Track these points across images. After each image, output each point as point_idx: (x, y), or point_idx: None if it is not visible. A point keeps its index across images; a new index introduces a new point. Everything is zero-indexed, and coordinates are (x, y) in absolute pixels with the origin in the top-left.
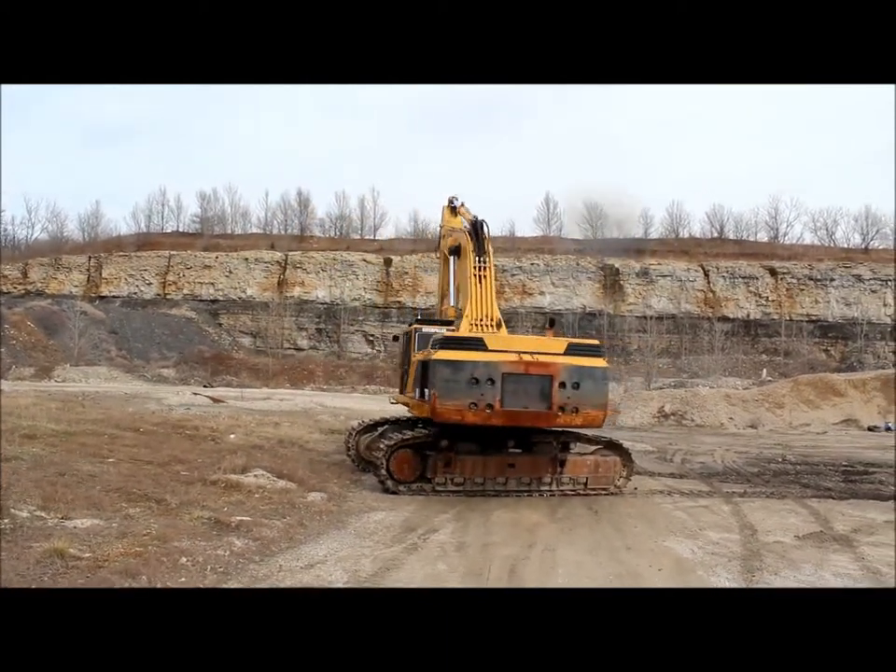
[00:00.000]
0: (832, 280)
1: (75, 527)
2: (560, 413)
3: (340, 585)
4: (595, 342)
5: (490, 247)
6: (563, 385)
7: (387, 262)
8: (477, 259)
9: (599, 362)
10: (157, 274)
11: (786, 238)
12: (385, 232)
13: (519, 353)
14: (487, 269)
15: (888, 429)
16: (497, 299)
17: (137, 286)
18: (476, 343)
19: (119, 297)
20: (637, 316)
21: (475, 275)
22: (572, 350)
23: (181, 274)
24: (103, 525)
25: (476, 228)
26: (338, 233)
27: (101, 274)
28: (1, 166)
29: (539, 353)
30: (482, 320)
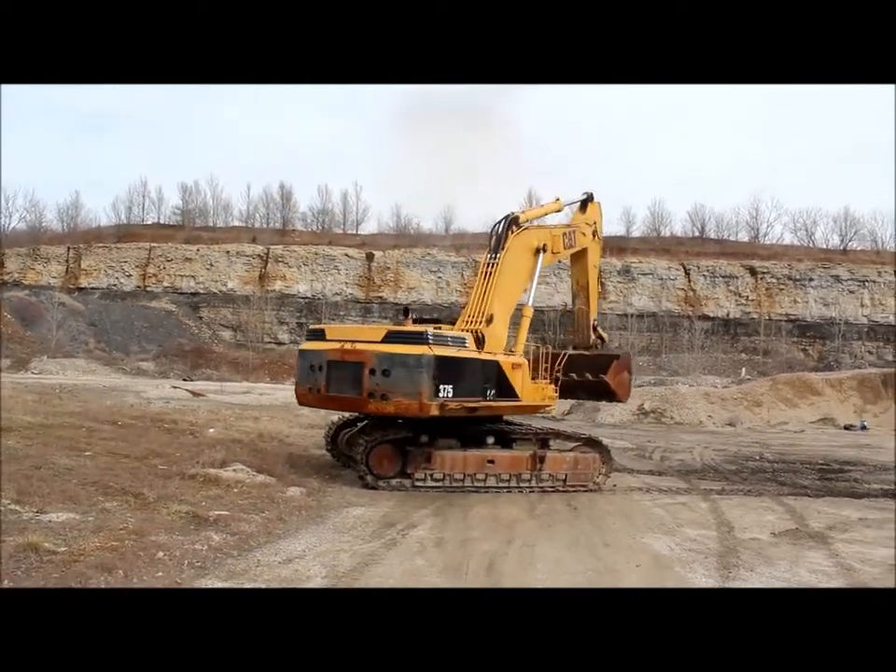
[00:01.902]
0: (810, 280)
1: (50, 521)
2: (370, 400)
3: (326, 585)
4: (422, 329)
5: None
6: (373, 371)
7: (369, 257)
8: (492, 255)
9: (417, 349)
10: (137, 266)
11: (766, 238)
12: (368, 227)
13: (342, 342)
14: (497, 265)
15: (863, 428)
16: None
17: (117, 277)
18: (319, 334)
19: (98, 289)
20: (618, 314)
21: (484, 272)
22: (390, 337)
23: (162, 267)
24: (79, 518)
25: (509, 223)
26: (320, 227)
27: (80, 266)
28: (1, 162)
29: (358, 341)
30: (475, 316)
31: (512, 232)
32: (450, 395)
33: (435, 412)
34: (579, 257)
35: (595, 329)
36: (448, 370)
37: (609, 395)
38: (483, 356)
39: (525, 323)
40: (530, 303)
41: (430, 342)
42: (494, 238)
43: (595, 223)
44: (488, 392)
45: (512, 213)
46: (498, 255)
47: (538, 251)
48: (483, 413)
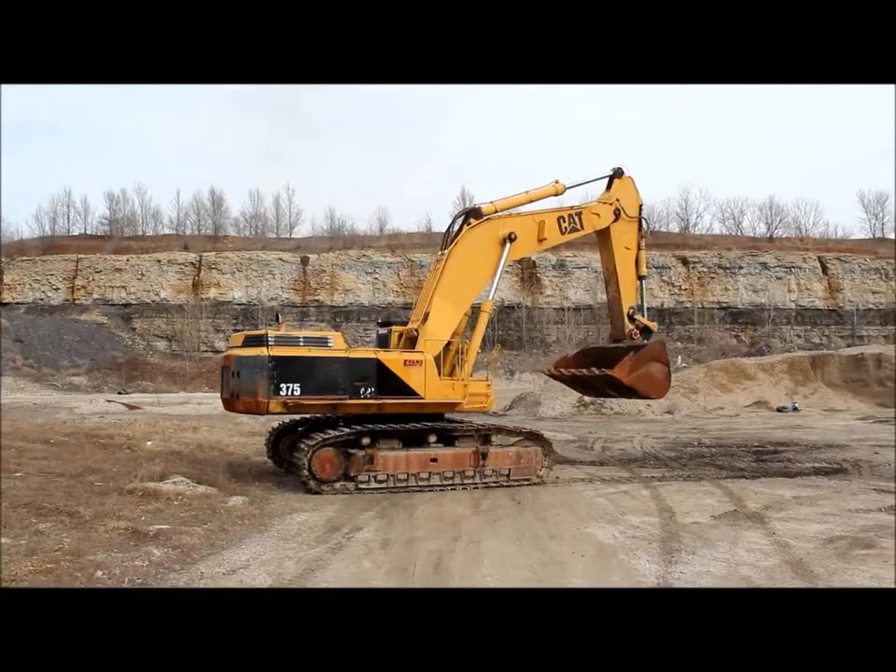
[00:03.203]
0: (740, 268)
1: None
2: (236, 400)
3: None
4: (263, 332)
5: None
6: (234, 374)
7: (304, 261)
8: (441, 251)
9: (256, 351)
10: (64, 279)
11: (696, 228)
12: (302, 231)
13: (230, 348)
14: (442, 262)
15: (794, 409)
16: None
17: (43, 291)
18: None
19: (23, 303)
20: (554, 308)
21: (434, 268)
22: (245, 342)
23: (90, 278)
24: (9, 543)
25: (466, 216)
26: (253, 232)
27: (2, 280)
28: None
29: (235, 346)
30: (417, 315)
31: (469, 225)
32: (296, 393)
33: (277, 409)
34: (604, 240)
35: (631, 318)
36: (291, 369)
37: (628, 391)
38: (353, 354)
39: (483, 319)
40: (491, 297)
41: (269, 343)
42: (446, 233)
43: (617, 201)
44: (362, 390)
45: (475, 204)
46: (446, 251)
47: (504, 241)
48: (360, 411)
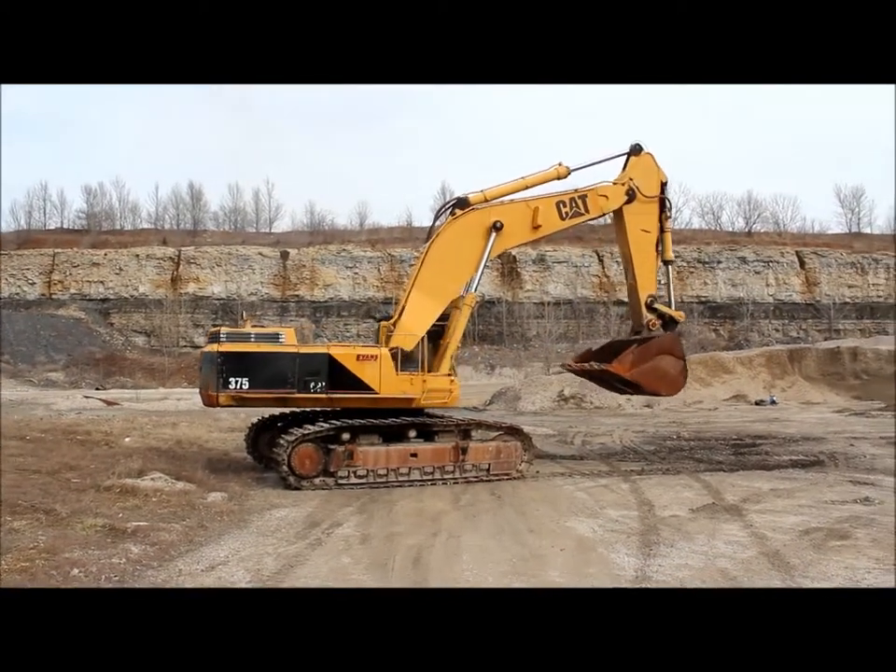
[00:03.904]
0: (719, 262)
1: None
2: (202, 393)
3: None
4: (217, 330)
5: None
6: (199, 369)
7: (284, 255)
8: (425, 245)
9: (211, 347)
10: (41, 274)
11: (675, 223)
12: (282, 225)
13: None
14: (423, 255)
15: (772, 403)
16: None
17: (19, 286)
18: None
19: None
20: (534, 303)
21: (416, 262)
22: (209, 339)
23: (68, 273)
24: None
25: (452, 208)
26: (232, 227)
27: None
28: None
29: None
30: (397, 309)
31: (454, 216)
32: (244, 387)
33: (226, 402)
34: (618, 223)
35: (651, 307)
36: (240, 364)
37: (633, 386)
38: (303, 349)
39: (465, 313)
40: (473, 290)
41: (221, 340)
42: (432, 225)
43: (630, 180)
44: (312, 385)
45: (463, 194)
46: (426, 245)
47: (490, 231)
48: (310, 405)
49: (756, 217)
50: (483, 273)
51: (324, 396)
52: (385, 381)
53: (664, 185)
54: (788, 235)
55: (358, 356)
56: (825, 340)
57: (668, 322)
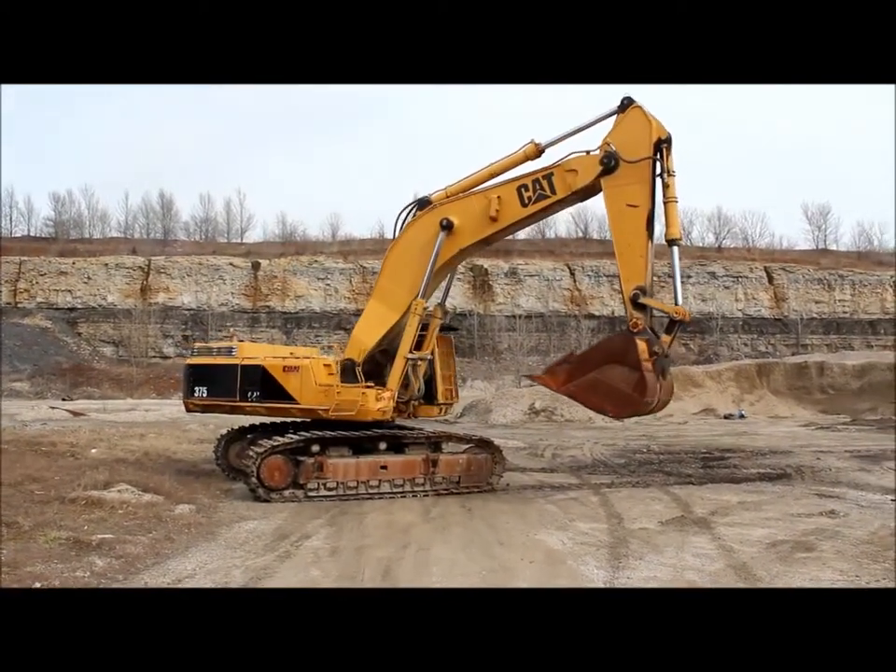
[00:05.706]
0: (689, 277)
1: None
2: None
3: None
4: (193, 344)
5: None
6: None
7: (255, 266)
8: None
9: (187, 360)
10: (6, 282)
11: None
12: (253, 235)
13: None
14: (383, 261)
15: (741, 416)
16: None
17: None
18: None
19: None
20: (506, 316)
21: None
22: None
23: (34, 281)
24: None
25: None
26: (203, 237)
27: None
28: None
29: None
30: None
31: (414, 218)
32: (204, 395)
33: (193, 408)
34: (605, 200)
35: (636, 303)
36: (201, 375)
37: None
38: (245, 361)
39: (411, 321)
40: (420, 296)
41: (192, 353)
42: (394, 230)
43: (607, 145)
44: (249, 394)
45: (426, 195)
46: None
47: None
48: (250, 413)
49: (726, 233)
50: (451, 279)
51: (258, 405)
52: (305, 391)
53: (662, 143)
54: (757, 251)
55: (285, 367)
56: (793, 354)
57: (671, 323)
